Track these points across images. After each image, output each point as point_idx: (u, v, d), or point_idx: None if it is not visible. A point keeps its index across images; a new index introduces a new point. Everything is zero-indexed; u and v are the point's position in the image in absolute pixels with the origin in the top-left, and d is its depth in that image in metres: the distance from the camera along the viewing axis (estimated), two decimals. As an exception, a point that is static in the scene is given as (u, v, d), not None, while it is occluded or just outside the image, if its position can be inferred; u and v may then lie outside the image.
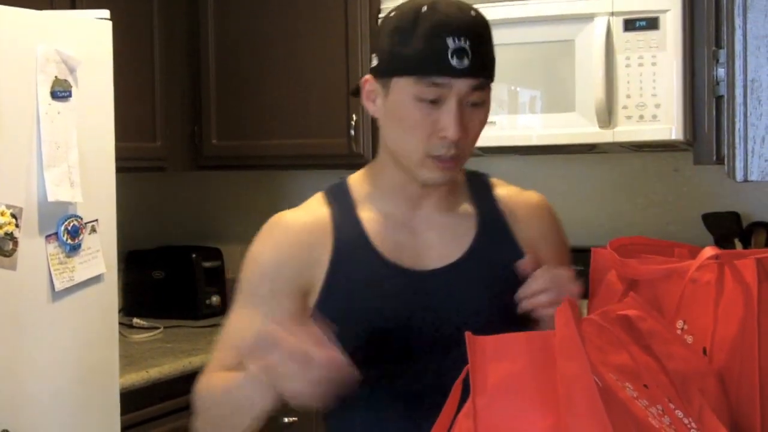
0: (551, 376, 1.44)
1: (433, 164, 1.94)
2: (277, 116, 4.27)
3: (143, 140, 4.16)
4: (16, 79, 2.94)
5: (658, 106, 3.50)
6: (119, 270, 3.37)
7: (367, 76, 2.00)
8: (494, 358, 1.49)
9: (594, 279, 1.95)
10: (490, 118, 3.62)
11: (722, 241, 3.70)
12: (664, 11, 3.49)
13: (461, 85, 1.89)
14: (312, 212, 2.04)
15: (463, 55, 1.87)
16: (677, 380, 1.56)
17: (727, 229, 3.78)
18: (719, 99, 3.35)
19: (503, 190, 2.15)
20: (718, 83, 3.28)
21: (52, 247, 3.03)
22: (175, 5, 4.35)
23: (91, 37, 3.19)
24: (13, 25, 2.95)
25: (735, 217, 3.80)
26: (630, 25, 3.53)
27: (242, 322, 1.98)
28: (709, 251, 1.79)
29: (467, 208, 2.09)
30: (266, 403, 1.77)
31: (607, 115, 3.53)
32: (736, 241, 3.74)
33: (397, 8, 1.96)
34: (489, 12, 3.60)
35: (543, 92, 3.69)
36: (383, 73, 1.95)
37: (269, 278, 1.99)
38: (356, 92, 2.04)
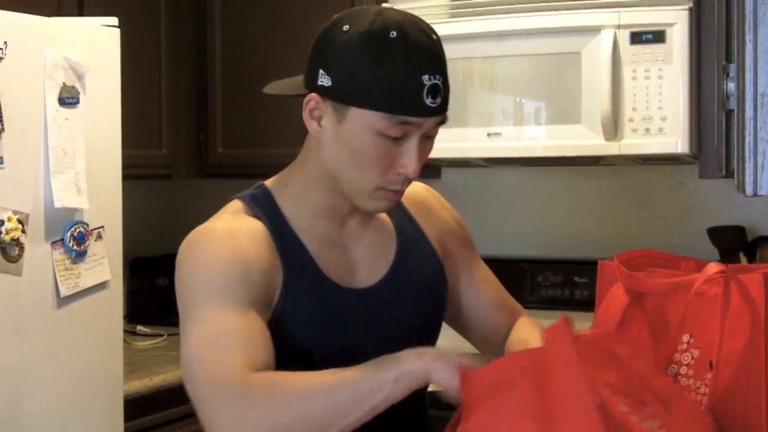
0: (546, 395, 1.44)
1: (383, 195, 1.86)
2: (283, 125, 4.28)
3: (149, 147, 4.17)
4: (24, 85, 2.95)
5: (664, 119, 3.50)
6: (123, 277, 3.37)
7: (312, 95, 1.86)
8: (490, 392, 1.49)
9: (601, 291, 1.96)
10: (497, 129, 3.69)
11: (727, 254, 3.70)
12: (671, 24, 3.49)
13: (429, 123, 1.81)
14: (244, 223, 1.90)
15: (437, 93, 1.78)
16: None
17: (733, 242, 3.78)
18: (729, 113, 3.35)
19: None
20: (728, 97, 3.29)
21: (58, 253, 3.03)
22: (182, 13, 4.36)
23: (99, 44, 3.20)
24: (22, 31, 2.95)
25: (740, 230, 3.81)
26: (637, 38, 3.53)
27: (240, 323, 1.76)
28: (715, 266, 1.80)
29: (384, 219, 2.04)
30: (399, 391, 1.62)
31: (613, 127, 3.53)
32: (741, 255, 3.74)
33: (353, 21, 1.83)
34: (497, 23, 3.67)
35: (549, 104, 3.69)
36: (340, 98, 1.81)
37: (244, 282, 1.80)
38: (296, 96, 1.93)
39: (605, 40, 3.53)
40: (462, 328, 2.17)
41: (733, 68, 3.29)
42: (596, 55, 3.55)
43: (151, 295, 4.48)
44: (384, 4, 3.53)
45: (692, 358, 1.80)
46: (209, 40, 4.40)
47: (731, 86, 3.26)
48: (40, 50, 2.99)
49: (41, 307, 3.01)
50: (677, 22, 3.48)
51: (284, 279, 1.87)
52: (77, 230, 3.07)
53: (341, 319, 1.91)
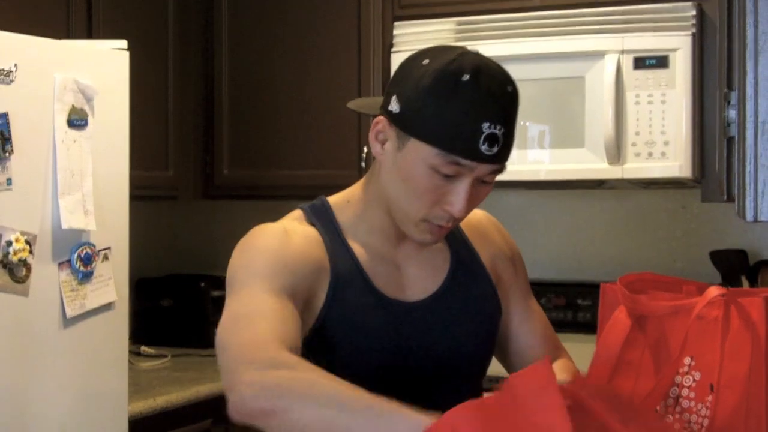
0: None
1: (428, 228, 1.91)
2: (289, 147, 4.30)
3: (155, 169, 4.19)
4: (33, 107, 2.96)
5: (666, 143, 3.53)
6: (128, 298, 3.38)
7: (381, 118, 1.92)
8: None
9: (603, 314, 1.97)
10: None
11: (729, 278, 3.72)
12: (674, 50, 3.52)
13: (483, 169, 1.84)
14: (300, 227, 1.97)
15: (495, 143, 1.80)
16: None
17: (734, 266, 3.80)
18: (730, 140, 3.37)
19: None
20: (729, 124, 3.31)
21: (65, 274, 3.05)
22: (190, 36, 4.39)
23: (109, 66, 3.22)
24: (32, 54, 2.98)
25: (742, 254, 3.82)
26: (640, 63, 3.56)
27: (274, 305, 1.78)
28: (715, 289, 1.81)
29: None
30: None
31: (616, 151, 3.55)
32: (743, 279, 3.76)
33: (435, 57, 1.87)
34: (501, 48, 3.70)
35: (553, 128, 3.71)
36: (403, 127, 1.86)
37: (287, 273, 1.85)
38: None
39: (609, 64, 3.56)
40: (503, 355, 2.16)
41: (734, 96, 3.32)
42: (600, 79, 3.58)
43: (155, 316, 4.49)
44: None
45: (693, 380, 1.81)
46: (216, 63, 4.43)
47: (732, 113, 3.28)
48: (49, 73, 3.01)
49: (47, 328, 3.02)
50: (680, 47, 3.51)
51: (331, 284, 1.91)
52: (84, 251, 3.09)
53: (387, 330, 1.94)
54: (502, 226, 2.21)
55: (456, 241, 2.09)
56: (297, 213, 2.03)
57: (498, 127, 1.80)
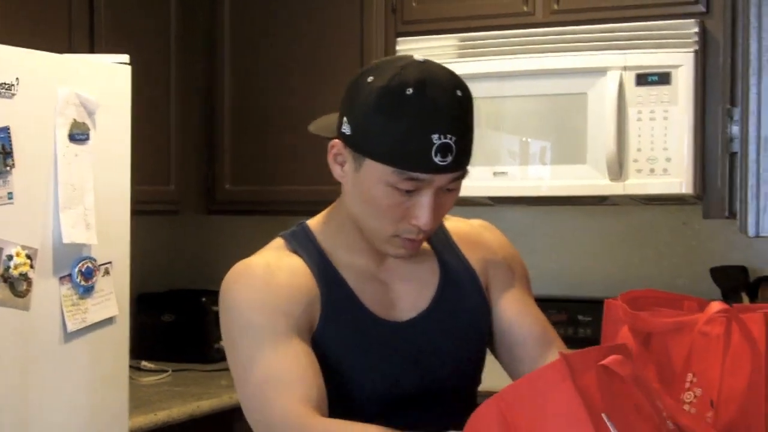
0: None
1: (400, 243, 1.89)
2: (290, 162, 4.30)
3: (157, 183, 4.19)
4: (35, 121, 2.96)
5: (668, 159, 3.53)
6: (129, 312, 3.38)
7: (336, 141, 1.90)
8: None
9: (606, 331, 1.97)
10: (502, 169, 3.71)
11: (730, 294, 3.72)
12: (676, 67, 3.53)
13: (442, 179, 1.82)
14: (283, 259, 1.95)
15: (448, 152, 1.79)
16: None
17: (735, 282, 3.80)
18: (732, 156, 3.38)
19: (451, 224, 2.12)
20: (732, 140, 3.32)
21: (66, 289, 3.05)
22: (193, 51, 4.40)
23: (111, 81, 3.23)
24: (34, 68, 2.98)
25: (743, 271, 3.82)
26: (642, 79, 3.57)
27: (287, 358, 1.81)
28: (717, 305, 1.81)
29: (429, 255, 2.04)
30: None
31: (618, 167, 3.56)
32: (744, 295, 3.76)
33: (378, 74, 1.85)
34: (504, 64, 3.70)
35: (555, 144, 3.71)
36: (356, 148, 1.85)
37: (283, 314, 1.85)
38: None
39: (611, 81, 3.57)
40: (496, 350, 2.12)
41: (737, 112, 3.32)
42: (602, 96, 3.59)
43: (156, 331, 4.48)
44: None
45: (695, 396, 1.81)
46: (218, 77, 4.44)
47: (735, 129, 3.29)
48: (51, 87, 3.01)
49: (48, 342, 3.02)
50: (683, 64, 3.52)
51: (323, 309, 1.90)
52: (85, 266, 3.09)
53: (380, 351, 1.93)
54: (497, 231, 2.18)
55: (444, 249, 2.07)
56: (278, 242, 2.01)
57: (449, 137, 1.78)
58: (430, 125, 1.78)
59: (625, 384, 1.47)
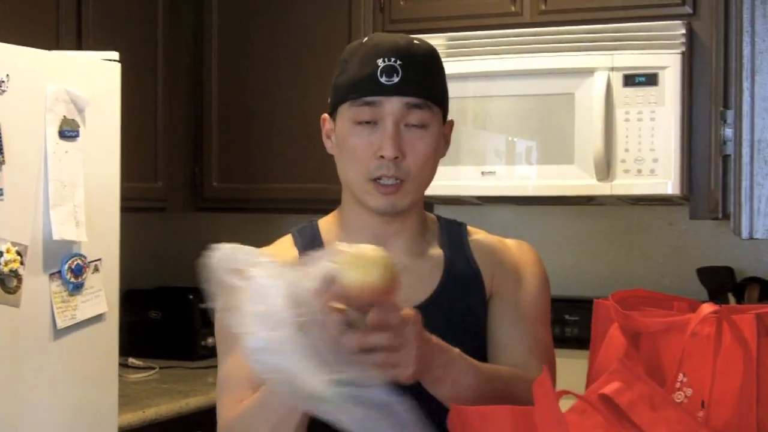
0: None
1: (375, 189, 1.94)
2: (278, 160, 4.31)
3: (144, 180, 4.19)
4: (25, 118, 2.97)
5: (655, 160, 3.55)
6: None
7: (324, 115, 2.05)
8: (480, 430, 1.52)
9: (596, 330, 1.98)
10: (490, 168, 3.72)
11: (716, 294, 3.73)
12: (664, 68, 3.55)
13: (393, 103, 1.91)
14: (283, 253, 1.99)
15: (393, 72, 1.90)
16: None
17: (721, 283, 3.82)
18: (726, 158, 3.39)
19: (480, 237, 2.12)
20: (725, 143, 3.33)
21: (56, 285, 3.05)
22: (180, 48, 4.40)
23: (100, 77, 3.23)
24: (24, 65, 2.98)
25: (729, 271, 3.84)
26: (630, 80, 3.58)
27: (237, 362, 1.84)
28: (708, 306, 1.82)
29: (436, 252, 2.06)
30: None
31: (605, 168, 3.57)
32: (730, 296, 3.78)
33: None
34: (492, 64, 3.72)
35: (542, 144, 3.73)
36: (331, 108, 2.00)
37: None
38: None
39: (599, 82, 3.58)
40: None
41: (730, 114, 3.33)
42: (589, 96, 3.60)
43: (143, 328, 4.48)
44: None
45: (685, 396, 1.81)
46: (206, 74, 4.44)
47: (728, 132, 3.30)
48: (41, 84, 3.01)
49: (38, 339, 3.02)
50: (670, 65, 3.54)
51: None
52: (75, 263, 3.09)
53: None
54: (528, 249, 2.17)
55: (455, 251, 2.07)
56: (287, 237, 2.08)
57: (393, 59, 1.91)
58: (376, 53, 1.93)
59: None
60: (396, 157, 1.91)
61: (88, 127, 3.14)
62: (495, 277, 2.08)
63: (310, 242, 2.03)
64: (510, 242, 2.18)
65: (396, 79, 1.90)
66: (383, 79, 1.90)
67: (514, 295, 2.09)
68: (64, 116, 3.06)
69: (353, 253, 1.56)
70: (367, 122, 1.92)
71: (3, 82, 2.91)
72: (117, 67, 3.30)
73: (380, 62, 1.90)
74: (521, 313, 2.09)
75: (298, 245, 2.04)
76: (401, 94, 1.91)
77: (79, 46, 3.77)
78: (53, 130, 3.03)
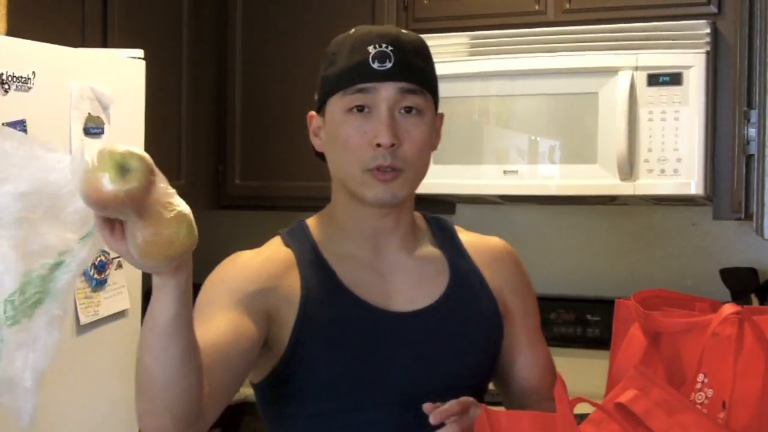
0: None
1: (372, 179, 1.88)
2: (301, 158, 4.30)
3: (168, 178, 4.14)
4: (50, 115, 2.98)
5: (679, 160, 3.54)
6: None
7: (311, 112, 2.01)
8: None
9: (617, 330, 1.97)
10: (513, 167, 3.72)
11: (739, 296, 3.72)
12: (688, 67, 3.53)
13: (388, 89, 1.88)
14: (273, 251, 1.96)
15: (385, 58, 1.88)
16: None
17: (744, 284, 3.80)
18: (749, 158, 3.37)
19: (466, 236, 2.10)
20: (748, 142, 3.31)
21: (79, 281, 3.06)
22: (204, 46, 4.41)
23: (125, 75, 3.24)
24: (50, 62, 3.00)
25: (752, 272, 3.82)
26: (653, 79, 3.57)
27: (201, 329, 1.71)
28: (730, 307, 1.81)
29: (432, 251, 2.03)
30: (167, 304, 1.63)
31: (628, 167, 3.56)
32: (753, 297, 3.76)
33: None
34: (515, 63, 3.71)
35: (565, 143, 3.72)
36: (319, 103, 1.97)
37: (228, 289, 1.84)
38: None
39: (622, 81, 3.57)
40: (502, 391, 2.11)
41: (754, 114, 3.32)
42: (613, 96, 3.59)
43: (165, 325, 4.48)
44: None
45: (706, 397, 1.81)
46: (230, 73, 4.45)
47: (752, 131, 3.28)
48: (66, 81, 3.03)
49: (61, 335, 3.03)
50: (694, 65, 3.52)
51: (301, 301, 1.88)
52: (98, 259, 3.11)
53: (367, 340, 1.89)
54: (521, 263, 2.15)
55: (456, 256, 2.05)
56: (275, 239, 2.02)
57: (385, 45, 1.89)
58: (367, 42, 1.91)
59: None
60: (392, 145, 1.87)
61: (112, 124, 3.16)
62: (502, 290, 2.06)
63: (300, 242, 1.98)
64: (501, 246, 2.16)
65: (389, 65, 1.88)
66: (376, 65, 1.88)
67: (524, 320, 2.08)
68: (89, 113, 3.08)
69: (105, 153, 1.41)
70: (360, 111, 1.89)
71: (29, 79, 2.92)
72: (142, 65, 3.31)
73: (371, 49, 1.89)
74: (532, 334, 2.10)
75: (288, 244, 1.98)
76: (395, 80, 1.89)
77: (104, 44, 3.78)
78: (78, 127, 3.05)
